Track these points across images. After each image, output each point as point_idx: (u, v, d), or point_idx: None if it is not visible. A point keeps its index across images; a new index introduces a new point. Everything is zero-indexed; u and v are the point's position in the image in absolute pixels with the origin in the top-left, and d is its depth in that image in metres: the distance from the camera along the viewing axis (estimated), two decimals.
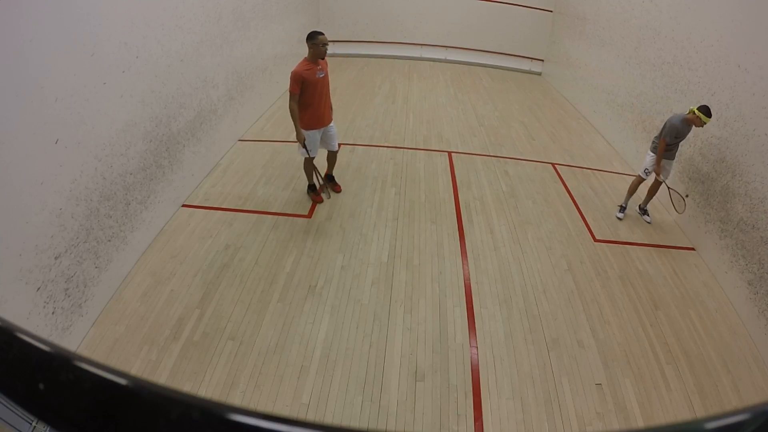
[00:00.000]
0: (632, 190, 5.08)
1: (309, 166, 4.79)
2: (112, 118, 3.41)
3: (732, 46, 4.43)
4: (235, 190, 5.06)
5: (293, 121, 4.29)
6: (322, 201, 4.93)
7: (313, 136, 4.51)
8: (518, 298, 3.81)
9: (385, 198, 5.11)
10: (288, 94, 4.26)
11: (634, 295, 3.98)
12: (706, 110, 4.28)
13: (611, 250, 4.54)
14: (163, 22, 4.05)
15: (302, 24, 8.77)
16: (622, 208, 5.16)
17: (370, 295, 3.74)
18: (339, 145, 5.03)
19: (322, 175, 4.89)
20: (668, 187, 4.89)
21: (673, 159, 4.81)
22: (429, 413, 2.86)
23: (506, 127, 7.51)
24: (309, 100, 4.30)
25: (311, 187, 4.98)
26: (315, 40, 4.16)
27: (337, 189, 5.15)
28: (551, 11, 10.50)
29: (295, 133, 4.40)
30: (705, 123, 4.32)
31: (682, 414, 3.00)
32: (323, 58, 4.28)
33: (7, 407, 2.06)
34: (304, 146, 4.45)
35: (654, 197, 5.07)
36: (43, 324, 2.82)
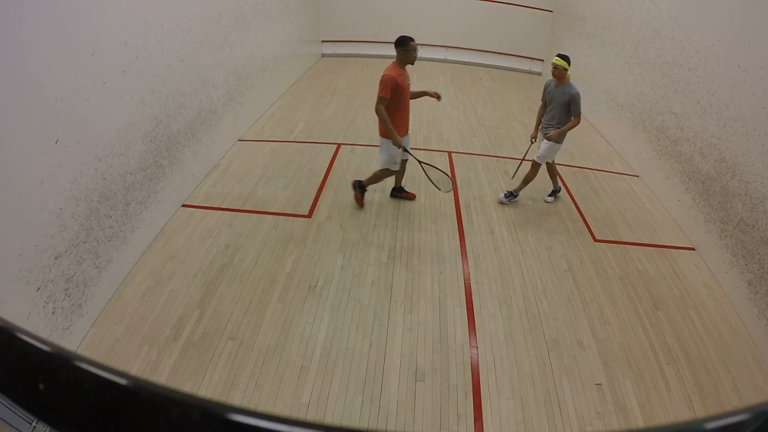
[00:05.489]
0: (552, 174, 5.27)
1: (387, 174, 4.64)
2: (112, 118, 3.41)
3: (732, 46, 4.43)
4: (235, 190, 5.06)
5: (385, 124, 4.13)
6: (363, 206, 4.83)
7: (405, 142, 4.38)
8: (518, 298, 3.81)
9: (385, 198, 5.11)
10: (378, 98, 4.08)
11: (634, 295, 3.98)
12: (561, 55, 4.56)
13: (611, 250, 4.54)
14: (163, 22, 4.05)
15: (302, 24, 8.76)
16: (554, 192, 5.36)
17: (370, 295, 3.74)
18: None
19: (362, 188, 4.80)
20: (523, 159, 5.27)
21: (547, 134, 4.85)
22: (429, 413, 2.86)
23: (506, 127, 7.51)
24: (397, 106, 4.19)
25: (360, 187, 4.81)
26: (407, 45, 4.07)
27: (411, 196, 5.05)
28: (551, 11, 10.50)
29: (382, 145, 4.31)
30: (556, 65, 4.48)
31: (682, 414, 3.00)
32: (413, 64, 4.19)
33: (7, 407, 2.06)
34: (406, 149, 4.36)
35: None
36: (43, 324, 2.82)
